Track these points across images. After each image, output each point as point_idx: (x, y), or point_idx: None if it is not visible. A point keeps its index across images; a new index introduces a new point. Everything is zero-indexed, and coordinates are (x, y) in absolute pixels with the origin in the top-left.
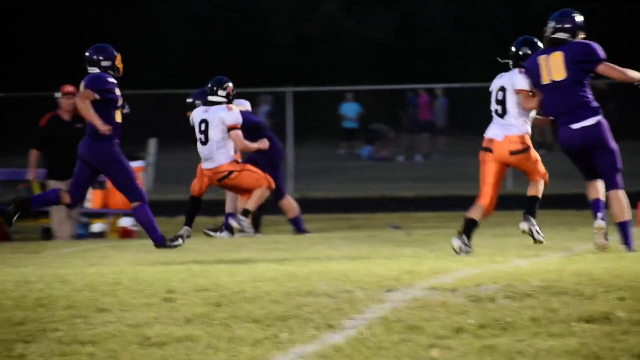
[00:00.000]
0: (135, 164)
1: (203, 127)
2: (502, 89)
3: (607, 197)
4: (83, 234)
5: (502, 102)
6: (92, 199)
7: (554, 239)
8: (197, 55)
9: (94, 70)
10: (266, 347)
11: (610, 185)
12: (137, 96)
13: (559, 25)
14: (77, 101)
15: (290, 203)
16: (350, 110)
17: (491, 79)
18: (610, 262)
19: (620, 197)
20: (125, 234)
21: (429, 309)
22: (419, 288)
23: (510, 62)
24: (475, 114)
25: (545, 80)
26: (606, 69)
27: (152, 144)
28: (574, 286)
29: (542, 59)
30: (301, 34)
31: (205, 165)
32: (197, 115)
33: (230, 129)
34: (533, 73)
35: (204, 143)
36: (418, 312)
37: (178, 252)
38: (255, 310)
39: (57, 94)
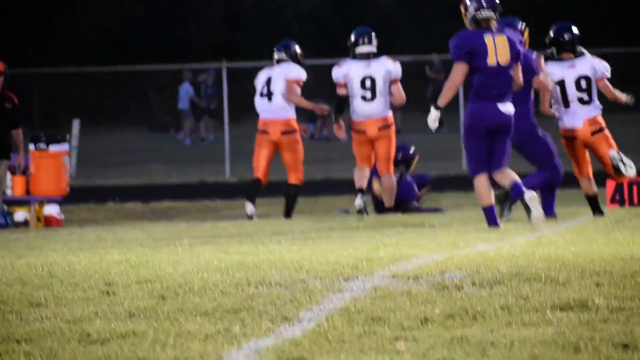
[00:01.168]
0: (60, 147)
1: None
2: (586, 77)
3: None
4: (4, 224)
5: (587, 90)
6: (13, 185)
7: (518, 221)
8: (123, 31)
9: None
10: (218, 342)
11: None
12: (59, 74)
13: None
14: None
15: None
16: None
17: (438, 50)
18: (581, 245)
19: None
20: (51, 222)
21: (392, 299)
22: (379, 276)
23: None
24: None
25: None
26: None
27: (76, 126)
28: (545, 272)
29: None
30: (232, 7)
31: None
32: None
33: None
34: None
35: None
36: (380, 302)
37: (111, 241)
38: (204, 303)
39: None
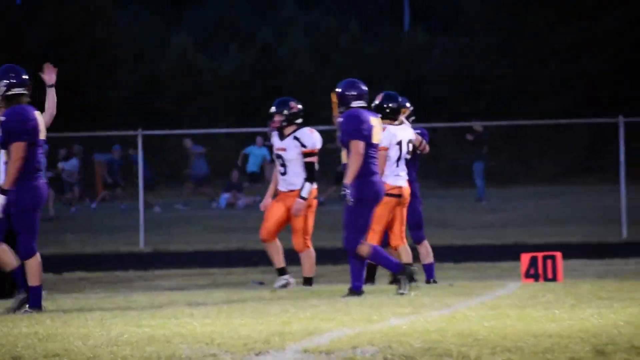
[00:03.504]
0: None
1: None
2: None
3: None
4: None
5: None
6: None
7: (432, 295)
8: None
9: None
10: None
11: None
12: None
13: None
14: None
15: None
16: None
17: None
18: (494, 320)
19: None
20: None
21: None
22: (291, 351)
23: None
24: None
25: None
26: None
27: None
28: (458, 347)
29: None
30: (151, 72)
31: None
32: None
33: None
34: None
35: None
36: None
37: (21, 312)
38: None
39: None
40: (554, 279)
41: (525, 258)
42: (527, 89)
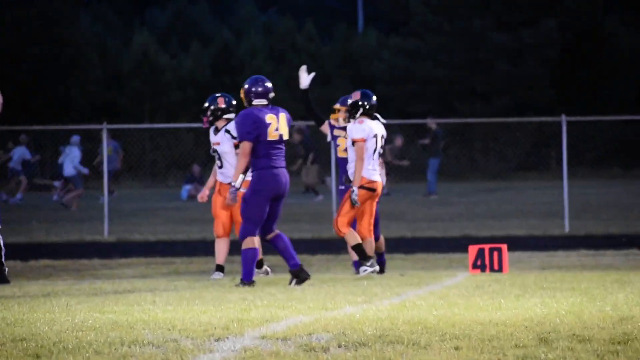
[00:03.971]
0: None
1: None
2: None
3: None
4: None
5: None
6: None
7: (383, 284)
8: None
9: None
10: None
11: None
12: None
13: None
14: None
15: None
16: None
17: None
18: (443, 309)
19: None
20: None
21: (261, 359)
22: (249, 337)
23: None
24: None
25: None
26: None
27: None
28: (408, 335)
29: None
30: (113, 69)
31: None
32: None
33: None
34: None
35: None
36: None
37: None
38: None
39: None
40: (500, 270)
41: (473, 250)
42: (475, 89)
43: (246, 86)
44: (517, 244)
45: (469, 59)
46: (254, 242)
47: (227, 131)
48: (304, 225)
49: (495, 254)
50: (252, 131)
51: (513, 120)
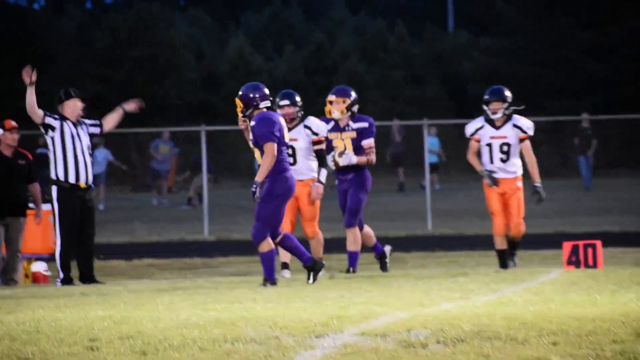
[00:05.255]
0: (46, 207)
1: None
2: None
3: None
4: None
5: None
6: (3, 243)
7: (479, 281)
8: (99, 91)
9: None
10: None
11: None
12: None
13: None
14: None
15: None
16: (433, 144)
17: (400, 116)
18: (539, 305)
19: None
20: (38, 279)
21: (361, 355)
22: (348, 333)
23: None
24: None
25: None
26: None
27: None
28: (506, 330)
29: None
30: (209, 71)
31: None
32: None
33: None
34: None
35: None
36: (349, 358)
37: (96, 297)
38: (183, 358)
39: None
40: (595, 266)
41: (567, 246)
42: (563, 87)
43: (250, 94)
44: (611, 240)
45: (555, 57)
46: (270, 243)
47: (307, 127)
48: (399, 223)
49: (590, 250)
50: (275, 132)
51: (603, 118)
